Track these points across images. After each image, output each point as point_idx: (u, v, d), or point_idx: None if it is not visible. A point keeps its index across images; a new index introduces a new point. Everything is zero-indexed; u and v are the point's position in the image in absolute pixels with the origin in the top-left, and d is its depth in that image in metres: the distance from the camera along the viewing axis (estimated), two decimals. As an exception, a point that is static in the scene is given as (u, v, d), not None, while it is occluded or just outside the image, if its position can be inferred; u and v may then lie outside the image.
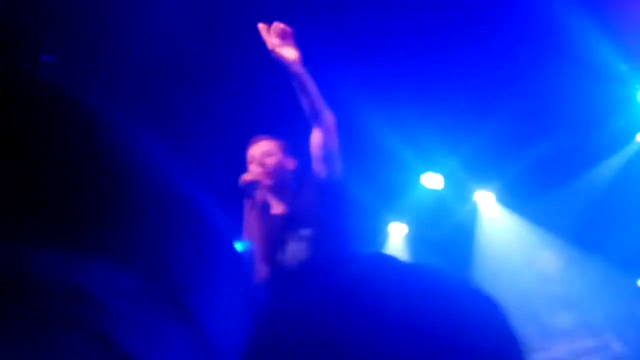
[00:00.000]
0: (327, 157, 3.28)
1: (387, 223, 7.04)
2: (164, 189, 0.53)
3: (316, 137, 3.26)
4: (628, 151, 6.50)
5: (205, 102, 5.35)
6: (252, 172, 3.30)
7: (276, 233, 3.32)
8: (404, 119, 5.63)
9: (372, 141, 5.67)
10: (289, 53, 3.19)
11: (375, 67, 5.25)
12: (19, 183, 0.47)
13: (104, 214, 0.49)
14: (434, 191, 6.72)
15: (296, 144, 3.53)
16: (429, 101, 5.52)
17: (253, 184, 3.28)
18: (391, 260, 0.87)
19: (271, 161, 3.39)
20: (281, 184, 3.41)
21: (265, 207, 3.40)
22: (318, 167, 3.33)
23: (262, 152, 3.42)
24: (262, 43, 3.23)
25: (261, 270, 3.37)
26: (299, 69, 3.20)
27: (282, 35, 3.23)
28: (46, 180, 0.47)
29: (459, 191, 6.82)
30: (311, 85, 3.24)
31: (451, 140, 6.10)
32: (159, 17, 4.52)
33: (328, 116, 3.24)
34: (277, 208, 3.39)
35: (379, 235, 6.97)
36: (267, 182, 3.33)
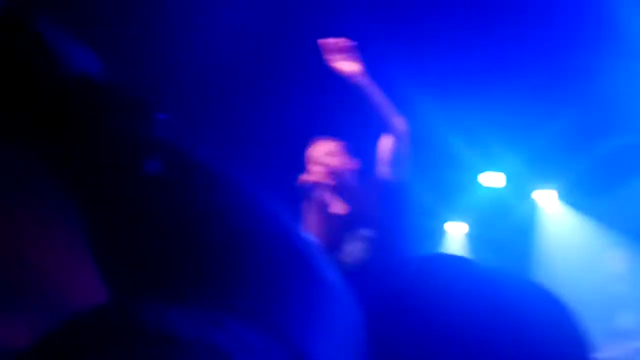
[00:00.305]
0: (395, 162, 3.30)
1: (446, 222, 7.02)
2: (274, 238, 0.54)
3: (386, 143, 3.27)
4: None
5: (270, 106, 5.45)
6: (313, 172, 3.33)
7: (336, 233, 3.35)
8: (465, 117, 5.62)
9: (433, 140, 5.64)
10: (350, 66, 3.22)
11: (436, 64, 5.24)
12: (150, 244, 0.49)
13: (229, 270, 0.50)
14: (495, 190, 6.67)
15: (359, 145, 3.53)
16: (490, 99, 5.48)
17: (314, 184, 3.32)
18: (456, 260, 0.88)
19: (333, 161, 3.41)
20: (343, 184, 3.42)
21: (325, 207, 3.41)
22: (384, 170, 3.36)
23: (324, 152, 3.44)
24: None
25: None
26: (362, 81, 3.22)
27: (343, 50, 3.26)
28: (174, 241, 0.49)
29: (520, 189, 6.77)
30: (377, 96, 3.26)
31: (513, 138, 6.06)
32: (222, 21, 4.60)
33: (399, 124, 3.24)
34: (338, 208, 3.39)
35: (438, 235, 6.97)
36: (329, 182, 3.35)
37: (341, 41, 3.26)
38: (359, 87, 3.22)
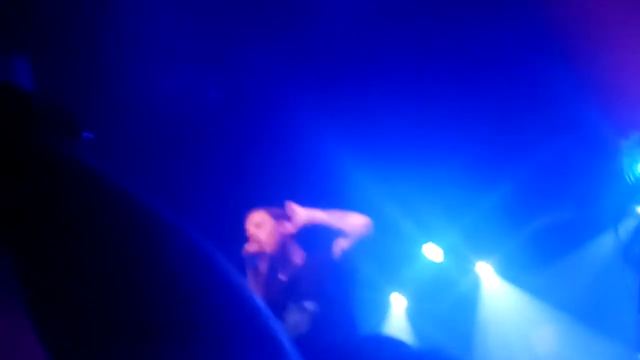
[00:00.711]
0: (351, 249, 3.43)
1: (389, 294, 6.97)
2: (226, 292, 0.52)
3: (344, 240, 3.42)
4: (629, 224, 6.46)
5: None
6: (251, 244, 3.41)
7: (277, 303, 3.32)
8: (405, 189, 5.65)
9: (374, 212, 5.60)
10: (297, 221, 3.50)
11: (377, 137, 5.30)
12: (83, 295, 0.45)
13: (174, 326, 0.47)
14: (435, 263, 6.69)
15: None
16: (429, 171, 5.53)
17: (254, 256, 3.39)
18: (391, 343, 0.89)
19: (262, 233, 3.47)
20: (279, 250, 3.47)
21: (265, 276, 3.43)
22: (337, 251, 3.44)
23: (254, 223, 3.52)
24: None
25: None
26: (307, 222, 3.48)
27: (282, 217, 3.55)
28: (109, 293, 0.46)
29: (459, 263, 6.79)
30: (326, 218, 3.48)
31: (451, 211, 6.10)
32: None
33: (357, 226, 3.44)
34: (280, 275, 3.45)
35: (381, 308, 6.92)
36: (265, 252, 3.42)
37: (277, 212, 3.54)
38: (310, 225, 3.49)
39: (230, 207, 4.86)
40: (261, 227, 3.52)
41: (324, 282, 3.42)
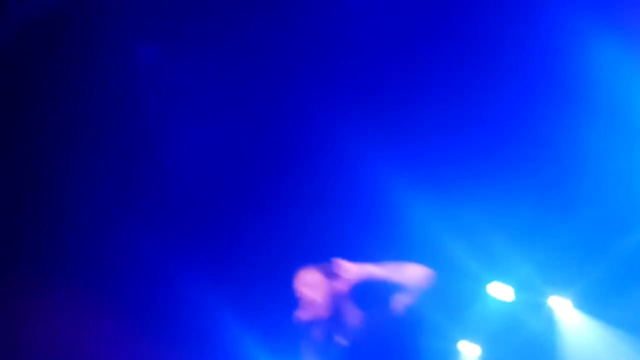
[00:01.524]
0: (413, 302, 3.11)
1: (459, 341, 6.65)
2: None
3: (404, 294, 3.05)
4: None
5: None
6: (305, 309, 3.13)
7: None
8: (469, 224, 5.46)
9: (437, 250, 5.47)
10: (350, 278, 3.22)
11: (442, 171, 5.11)
12: None
13: None
14: (504, 303, 6.39)
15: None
16: (494, 203, 5.31)
17: (307, 321, 3.10)
18: None
19: (317, 295, 3.19)
20: (335, 312, 3.16)
21: (326, 342, 3.16)
22: (397, 307, 3.12)
23: (305, 285, 3.22)
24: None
25: None
26: (364, 276, 3.13)
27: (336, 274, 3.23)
28: None
29: (531, 300, 6.48)
30: (385, 272, 3.04)
31: (521, 246, 5.81)
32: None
33: (417, 279, 3.02)
34: (339, 339, 3.13)
35: (451, 357, 6.67)
36: (320, 316, 3.12)
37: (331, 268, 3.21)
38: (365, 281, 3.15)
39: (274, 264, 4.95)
40: (315, 289, 3.22)
41: (387, 341, 3.09)
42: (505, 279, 6.28)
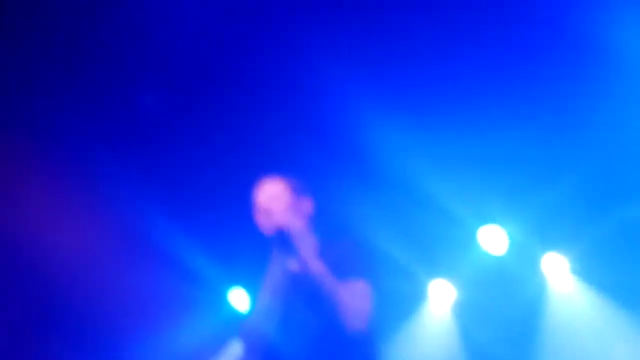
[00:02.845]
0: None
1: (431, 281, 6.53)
2: None
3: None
4: None
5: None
6: (265, 222, 3.34)
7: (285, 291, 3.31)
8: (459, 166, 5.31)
9: (423, 188, 5.44)
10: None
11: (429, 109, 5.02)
12: None
13: None
14: (493, 256, 6.16)
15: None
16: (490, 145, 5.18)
17: (277, 233, 3.24)
18: None
19: (279, 207, 3.39)
20: (294, 230, 3.31)
21: (286, 257, 3.31)
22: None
23: (268, 197, 3.44)
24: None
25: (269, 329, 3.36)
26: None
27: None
28: None
29: (524, 256, 6.21)
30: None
31: (517, 196, 5.68)
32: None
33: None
34: (292, 263, 3.34)
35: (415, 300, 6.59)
36: (281, 229, 3.28)
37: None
38: None
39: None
40: (274, 200, 3.43)
41: (339, 273, 3.25)
42: (496, 227, 6.04)
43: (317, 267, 3.27)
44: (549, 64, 4.79)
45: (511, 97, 4.88)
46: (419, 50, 4.79)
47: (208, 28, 4.76)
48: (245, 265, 5.33)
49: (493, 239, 6.04)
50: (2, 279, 5.47)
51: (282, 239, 3.27)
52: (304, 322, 3.39)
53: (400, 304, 6.20)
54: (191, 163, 5.48)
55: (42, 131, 5.11)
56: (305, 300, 3.38)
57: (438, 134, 5.00)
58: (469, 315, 6.49)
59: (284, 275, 3.37)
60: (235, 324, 6.17)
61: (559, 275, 6.26)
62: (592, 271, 6.17)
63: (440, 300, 6.53)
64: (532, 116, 4.97)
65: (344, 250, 3.46)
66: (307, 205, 3.54)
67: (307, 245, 3.35)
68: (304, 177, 3.58)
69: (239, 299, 6.43)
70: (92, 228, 5.35)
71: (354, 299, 3.24)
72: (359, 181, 5.07)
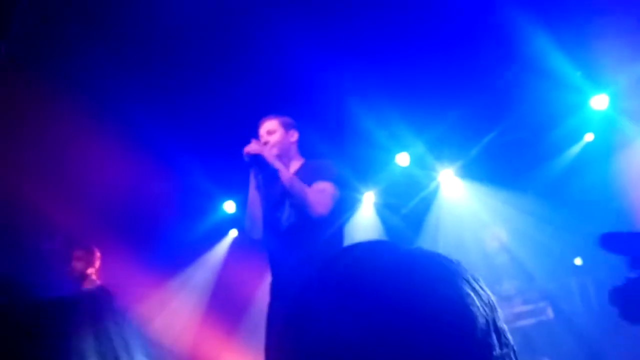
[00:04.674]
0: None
1: (363, 193, 7.52)
2: None
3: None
4: (577, 148, 7.09)
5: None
6: (253, 146, 3.69)
7: (276, 197, 3.73)
8: (383, 107, 6.12)
9: (356, 125, 6.22)
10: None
11: (362, 60, 5.57)
12: None
13: None
14: (405, 168, 7.18)
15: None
16: (402, 93, 6.02)
17: (255, 156, 3.68)
18: (384, 246, 0.92)
19: (274, 138, 3.85)
20: (284, 154, 3.84)
21: (265, 176, 3.77)
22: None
23: (267, 130, 3.88)
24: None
25: (256, 230, 3.81)
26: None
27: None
28: None
29: (424, 168, 7.28)
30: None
31: (419, 124, 6.54)
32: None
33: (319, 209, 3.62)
34: (284, 174, 3.70)
35: (354, 204, 7.47)
36: (272, 152, 3.75)
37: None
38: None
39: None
40: (274, 133, 3.85)
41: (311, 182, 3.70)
42: (407, 151, 7.08)
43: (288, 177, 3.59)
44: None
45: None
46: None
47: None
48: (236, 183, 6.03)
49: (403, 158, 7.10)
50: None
51: (258, 161, 3.65)
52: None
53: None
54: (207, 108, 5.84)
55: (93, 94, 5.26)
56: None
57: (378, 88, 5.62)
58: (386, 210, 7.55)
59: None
60: (227, 224, 7.60)
61: (447, 179, 7.47)
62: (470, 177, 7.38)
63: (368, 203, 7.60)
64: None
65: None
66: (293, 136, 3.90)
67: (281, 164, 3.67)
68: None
69: (230, 207, 7.61)
70: (130, 162, 5.69)
71: (317, 195, 3.59)
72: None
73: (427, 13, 5.32)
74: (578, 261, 6.97)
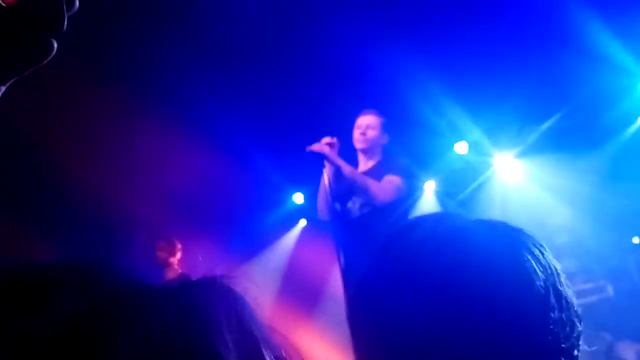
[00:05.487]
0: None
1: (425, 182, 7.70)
2: None
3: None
4: (633, 128, 7.12)
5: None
6: (316, 146, 4.00)
7: (351, 185, 4.00)
8: (443, 98, 6.33)
9: (418, 116, 6.46)
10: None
11: (421, 53, 5.69)
12: None
13: None
14: (462, 156, 7.37)
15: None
16: (462, 84, 6.19)
17: (331, 147, 4.00)
18: (449, 217, 0.94)
19: (371, 134, 4.14)
20: (370, 150, 4.18)
21: (338, 166, 4.03)
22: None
23: (367, 124, 4.14)
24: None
25: (324, 213, 4.14)
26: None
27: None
28: None
29: (482, 156, 7.45)
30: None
31: (476, 113, 6.71)
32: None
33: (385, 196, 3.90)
34: (362, 165, 4.10)
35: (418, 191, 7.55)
36: (363, 145, 4.12)
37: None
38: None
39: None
40: (373, 130, 4.13)
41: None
42: (463, 139, 7.26)
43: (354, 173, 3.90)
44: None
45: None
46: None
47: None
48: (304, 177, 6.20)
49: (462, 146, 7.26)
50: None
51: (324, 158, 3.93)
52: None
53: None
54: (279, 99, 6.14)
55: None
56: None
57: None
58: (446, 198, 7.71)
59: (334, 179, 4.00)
60: (297, 214, 8.09)
61: (506, 164, 7.55)
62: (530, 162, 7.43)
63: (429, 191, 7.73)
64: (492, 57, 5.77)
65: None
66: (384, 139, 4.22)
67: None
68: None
69: (299, 198, 8.10)
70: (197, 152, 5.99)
71: (382, 185, 3.88)
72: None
73: (483, 0, 5.53)
74: (636, 240, 7.02)
